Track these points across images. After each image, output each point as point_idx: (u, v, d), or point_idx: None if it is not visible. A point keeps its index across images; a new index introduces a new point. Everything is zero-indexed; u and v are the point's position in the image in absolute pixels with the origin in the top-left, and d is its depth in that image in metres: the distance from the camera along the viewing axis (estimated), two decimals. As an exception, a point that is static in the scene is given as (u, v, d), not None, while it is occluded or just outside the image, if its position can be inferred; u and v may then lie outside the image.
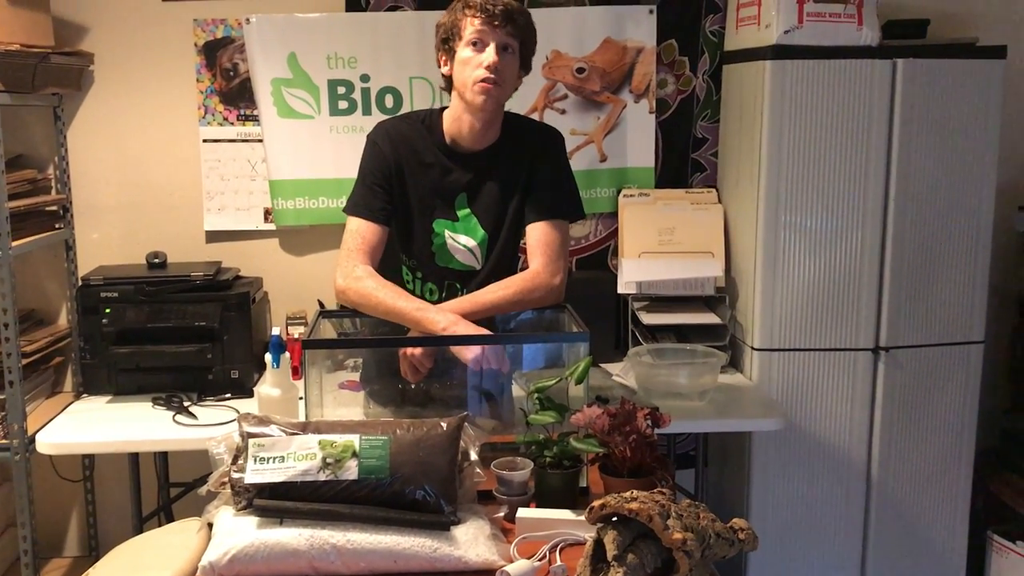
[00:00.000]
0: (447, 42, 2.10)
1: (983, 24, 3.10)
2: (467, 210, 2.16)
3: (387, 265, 2.17)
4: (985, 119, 2.80)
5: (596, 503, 1.48)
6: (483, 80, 2.02)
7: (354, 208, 2.15)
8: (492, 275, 2.15)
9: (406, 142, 2.16)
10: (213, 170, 3.10)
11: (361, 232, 2.12)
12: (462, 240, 2.17)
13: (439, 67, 2.14)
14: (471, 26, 2.03)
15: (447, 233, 2.16)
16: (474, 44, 2.04)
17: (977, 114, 2.79)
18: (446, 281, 2.19)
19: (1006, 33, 3.02)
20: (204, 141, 3.09)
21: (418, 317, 2.01)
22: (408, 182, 2.15)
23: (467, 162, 2.14)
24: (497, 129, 2.15)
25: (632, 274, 2.97)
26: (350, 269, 2.08)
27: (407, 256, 2.22)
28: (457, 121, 2.13)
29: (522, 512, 1.72)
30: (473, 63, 2.04)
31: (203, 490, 1.72)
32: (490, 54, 2.02)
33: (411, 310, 2.03)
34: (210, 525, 1.69)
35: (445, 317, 1.99)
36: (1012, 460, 3.15)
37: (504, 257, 2.19)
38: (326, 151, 3.04)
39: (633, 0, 3.07)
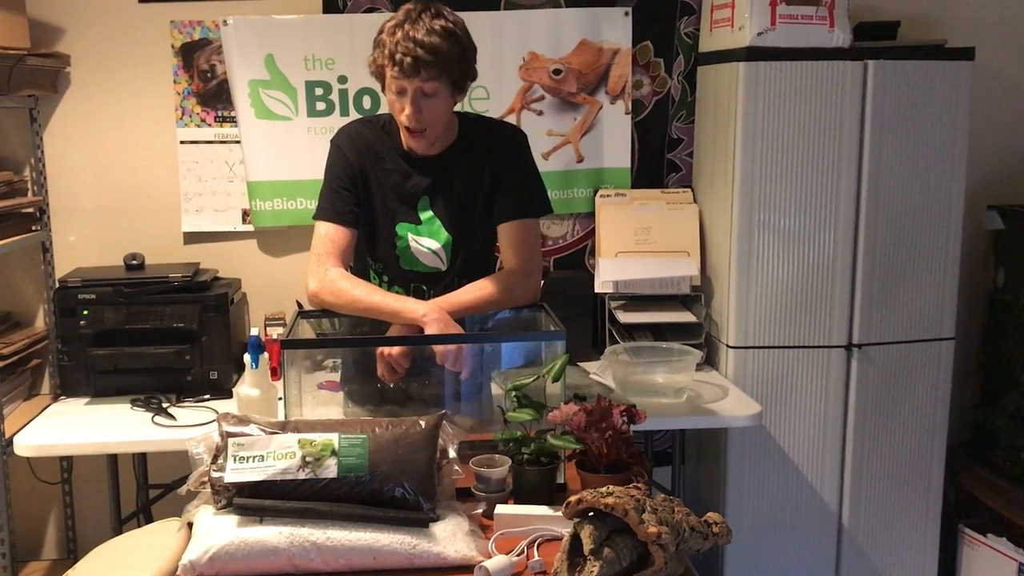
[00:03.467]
0: (376, 77, 2.09)
1: (952, 26, 3.15)
2: (430, 212, 2.17)
3: (356, 269, 2.19)
4: (954, 119, 2.85)
5: (573, 498, 1.51)
6: (407, 128, 2.03)
7: (322, 212, 2.16)
8: (460, 276, 2.17)
9: (368, 146, 2.17)
10: (191, 171, 3.10)
11: (330, 236, 2.13)
12: (426, 243, 2.17)
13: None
14: (389, 74, 2.01)
15: (410, 236, 2.17)
16: (396, 91, 2.03)
17: (946, 114, 2.84)
18: (412, 284, 2.20)
19: (974, 35, 3.07)
20: (181, 143, 3.09)
21: (397, 308, 2.03)
22: (372, 186, 2.16)
23: (426, 166, 2.15)
24: (452, 132, 2.16)
25: (609, 273, 3.00)
26: (322, 272, 2.09)
27: (373, 260, 2.24)
28: (407, 134, 2.14)
29: (500, 508, 1.75)
30: (398, 107, 2.04)
31: (183, 490, 1.73)
32: (407, 105, 2.00)
33: (389, 302, 2.04)
34: (190, 525, 1.70)
35: (424, 305, 2.01)
36: (983, 454, 3.20)
37: (471, 258, 2.19)
38: (304, 152, 3.05)
39: (609, 2, 3.10)
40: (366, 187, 2.16)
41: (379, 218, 2.18)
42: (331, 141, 2.21)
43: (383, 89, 2.11)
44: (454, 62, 2.00)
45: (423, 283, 2.20)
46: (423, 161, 2.15)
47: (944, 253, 2.91)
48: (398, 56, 1.96)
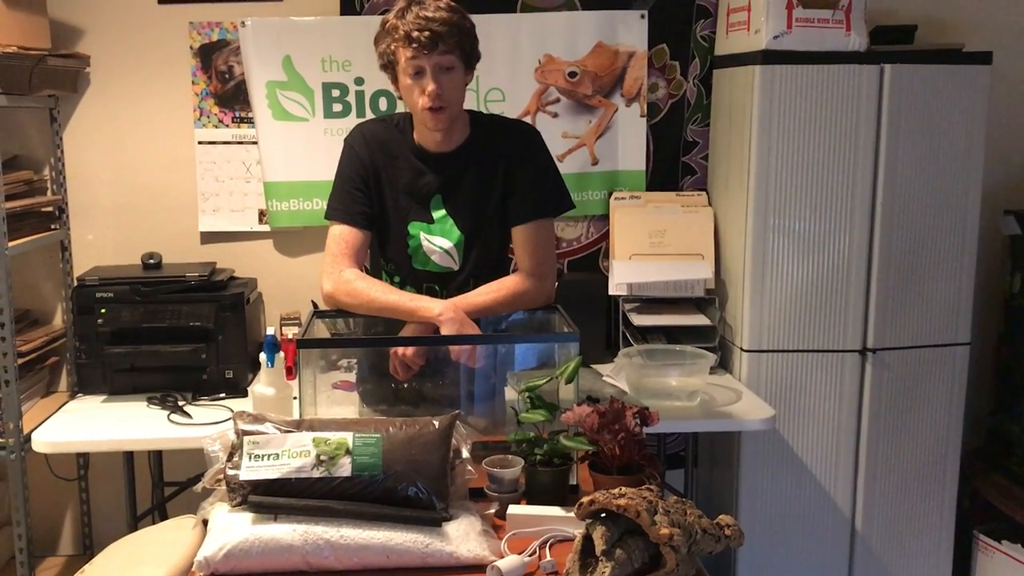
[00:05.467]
0: (387, 68, 2.11)
1: (969, 30, 3.14)
2: (443, 211, 2.18)
3: (368, 269, 2.20)
4: (971, 124, 2.83)
5: (585, 499, 1.51)
6: (428, 108, 2.04)
7: (334, 213, 2.17)
8: (472, 276, 2.18)
9: (381, 145, 2.18)
10: (208, 172, 3.12)
11: (344, 236, 2.14)
12: (438, 242, 2.18)
13: (391, 85, 2.15)
14: (403, 56, 2.03)
15: (422, 235, 2.18)
16: (413, 72, 2.04)
17: (963, 119, 2.83)
18: (424, 284, 2.21)
19: (991, 39, 3.05)
20: (199, 143, 3.11)
21: (413, 307, 2.04)
22: (384, 185, 2.17)
23: (439, 164, 2.16)
24: (463, 129, 2.17)
25: (623, 276, 3.00)
26: (337, 273, 2.10)
27: (385, 260, 2.25)
28: (420, 130, 2.15)
29: (513, 509, 1.75)
30: (416, 91, 2.05)
31: (198, 487, 1.75)
32: (429, 83, 2.02)
33: (405, 301, 2.06)
34: (205, 522, 1.71)
35: (440, 303, 2.02)
36: (998, 460, 3.18)
37: (484, 257, 2.20)
38: (320, 153, 3.06)
39: (625, 5, 3.11)
40: (379, 185, 2.17)
41: (391, 217, 2.19)
42: (344, 140, 2.22)
43: (394, 81, 2.12)
44: (465, 34, 2.06)
45: (435, 283, 2.20)
46: (436, 159, 2.16)
47: (960, 258, 2.90)
48: (414, 34, 1.99)
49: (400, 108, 3.05)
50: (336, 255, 2.13)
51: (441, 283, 2.20)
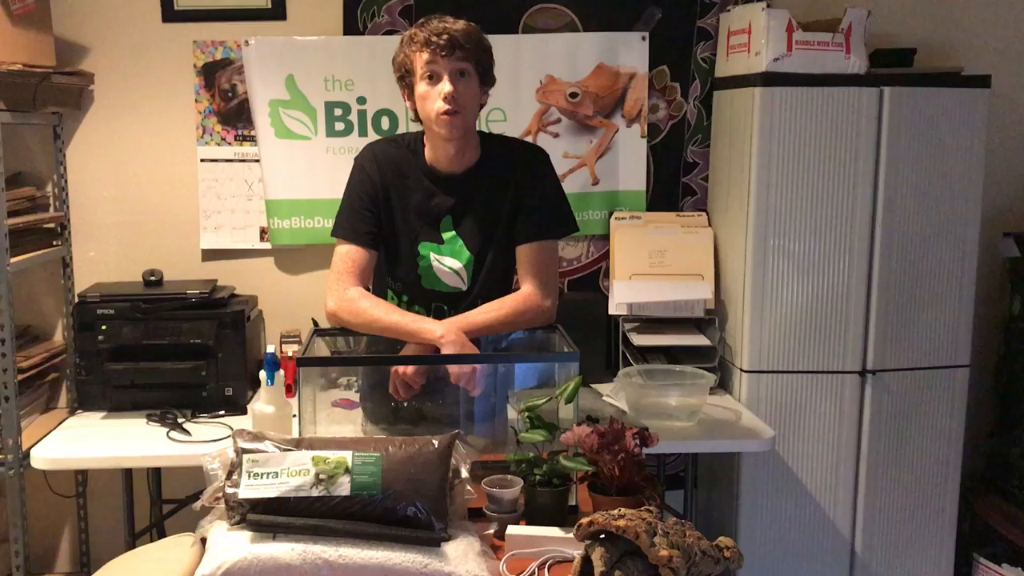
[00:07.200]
0: (403, 79, 2.14)
1: (968, 53, 3.16)
2: (452, 232, 2.18)
3: (374, 289, 2.20)
4: (970, 146, 2.85)
5: (584, 520, 1.51)
6: (443, 112, 2.05)
7: (342, 232, 2.17)
8: (481, 296, 2.18)
9: (393, 165, 2.18)
10: (210, 189, 3.13)
11: (351, 255, 2.14)
12: (447, 262, 2.19)
13: (404, 101, 2.18)
14: (421, 61, 2.06)
15: (432, 256, 2.19)
16: (429, 78, 2.07)
17: (962, 141, 2.84)
18: (433, 303, 2.21)
19: (991, 63, 3.08)
20: (202, 161, 3.12)
21: (414, 328, 2.04)
22: (394, 205, 2.18)
23: (450, 185, 2.17)
24: (475, 150, 2.18)
25: (623, 296, 3.01)
26: (341, 291, 2.11)
27: (392, 280, 2.25)
28: (433, 148, 2.16)
29: (512, 529, 1.75)
30: (431, 96, 2.06)
31: (197, 505, 1.74)
32: (445, 85, 2.04)
33: (407, 322, 2.06)
34: (203, 540, 1.71)
35: (441, 325, 2.03)
36: (998, 483, 3.18)
37: (492, 278, 2.21)
38: (322, 172, 3.08)
39: (626, 27, 3.13)
40: (388, 205, 2.18)
41: (401, 237, 2.19)
42: (355, 160, 2.23)
43: (409, 96, 2.13)
44: (482, 48, 2.10)
45: (444, 303, 2.21)
46: (447, 181, 2.17)
47: (959, 280, 2.90)
48: (433, 38, 2.03)
49: (403, 128, 3.08)
50: (341, 273, 2.13)
51: (449, 303, 2.20)
